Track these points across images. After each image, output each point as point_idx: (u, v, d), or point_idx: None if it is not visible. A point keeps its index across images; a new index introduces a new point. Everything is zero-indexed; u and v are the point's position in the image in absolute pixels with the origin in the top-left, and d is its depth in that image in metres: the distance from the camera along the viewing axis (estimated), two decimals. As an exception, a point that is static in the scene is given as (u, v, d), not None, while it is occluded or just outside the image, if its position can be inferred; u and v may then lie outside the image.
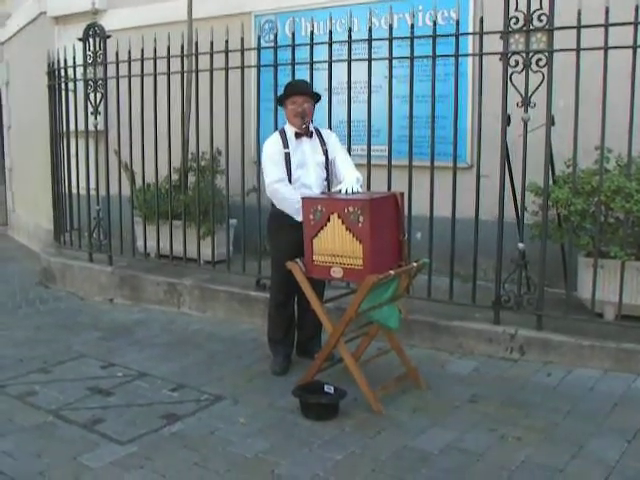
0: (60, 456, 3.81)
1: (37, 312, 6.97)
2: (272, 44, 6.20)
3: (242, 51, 6.23)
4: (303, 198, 4.56)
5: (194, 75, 6.72)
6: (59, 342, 5.87)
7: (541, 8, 4.93)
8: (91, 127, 7.38)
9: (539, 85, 4.99)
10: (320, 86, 5.72)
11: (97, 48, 7.34)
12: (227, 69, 6.34)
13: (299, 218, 4.68)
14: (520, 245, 5.27)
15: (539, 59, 4.99)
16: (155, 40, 6.65)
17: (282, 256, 4.79)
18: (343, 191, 4.59)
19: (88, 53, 7.40)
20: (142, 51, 6.82)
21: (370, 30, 5.67)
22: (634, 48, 4.76)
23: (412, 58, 5.51)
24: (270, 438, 4.00)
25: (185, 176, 7.41)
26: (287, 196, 4.82)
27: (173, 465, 3.70)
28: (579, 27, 4.87)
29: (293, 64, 6.04)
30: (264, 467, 3.67)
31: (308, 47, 5.97)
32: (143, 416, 4.33)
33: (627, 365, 4.86)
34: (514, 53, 5.07)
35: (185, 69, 6.84)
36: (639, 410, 4.29)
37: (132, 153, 7.19)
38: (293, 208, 4.77)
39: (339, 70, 6.03)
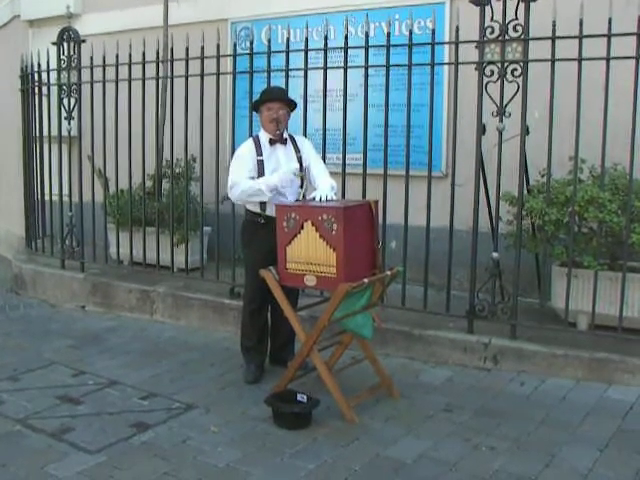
0: (27, 466, 3.74)
1: (7, 319, 6.86)
2: (248, 51, 6.18)
3: (218, 57, 6.19)
4: (277, 205, 4.53)
5: (169, 81, 6.68)
6: (29, 350, 5.78)
7: (516, 18, 4.96)
8: (64, 132, 7.30)
9: (514, 95, 5.02)
10: (296, 93, 5.71)
11: (71, 52, 7.27)
12: (202, 75, 6.31)
13: (267, 194, 4.71)
14: (494, 254, 5.28)
15: (514, 69, 5.01)
16: (130, 45, 6.60)
17: (256, 264, 4.76)
18: (317, 199, 4.58)
19: (62, 57, 7.32)
20: (117, 56, 6.76)
21: (346, 38, 5.67)
22: (607, 60, 4.79)
23: (388, 66, 5.52)
24: (242, 447, 3.96)
25: (159, 183, 7.35)
26: (245, 187, 4.77)
27: (143, 475, 3.64)
28: (554, 38, 4.91)
29: (269, 71, 6.02)
30: (236, 477, 3.63)
31: (284, 54, 5.95)
32: (113, 425, 4.26)
33: (600, 374, 4.88)
34: (489, 63, 5.09)
35: (160, 75, 6.79)
36: (611, 419, 4.30)
37: (106, 159, 7.13)
38: (256, 191, 4.74)
39: (315, 78, 6.03)
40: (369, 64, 5.61)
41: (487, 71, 5.11)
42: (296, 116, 5.29)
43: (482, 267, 5.32)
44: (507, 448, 3.93)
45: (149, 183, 7.35)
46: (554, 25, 4.88)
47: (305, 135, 5.66)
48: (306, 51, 5.84)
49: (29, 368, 5.31)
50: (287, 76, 5.94)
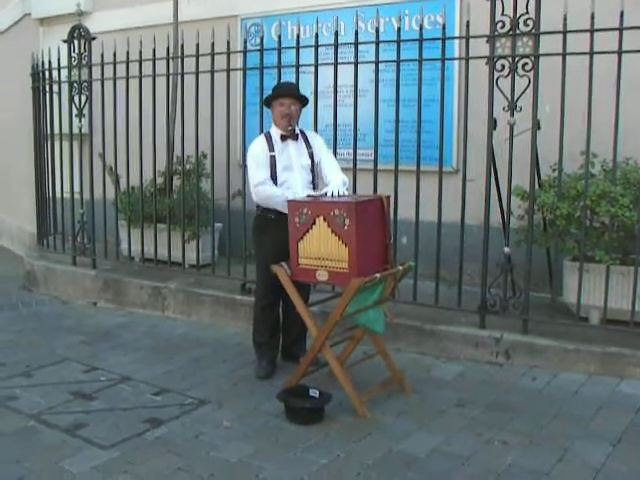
0: (41, 461, 3.76)
1: (20, 316, 6.89)
2: (258, 47, 6.19)
3: (228, 54, 6.21)
4: (289, 201, 4.54)
5: (180, 78, 6.69)
6: (42, 346, 5.80)
7: (527, 13, 4.94)
8: (75, 130, 7.33)
9: (525, 89, 5.01)
10: (306, 89, 5.70)
11: (82, 50, 7.29)
12: (213, 72, 6.32)
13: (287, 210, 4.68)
14: (506, 249, 5.26)
15: (525, 63, 5.00)
16: (140, 42, 6.62)
17: (267, 259, 4.77)
18: (329, 194, 4.58)
19: (73, 55, 7.35)
20: (127, 53, 6.78)
21: (356, 34, 5.67)
22: (619, 53, 4.77)
23: (398, 62, 5.51)
24: (254, 442, 3.97)
25: (170, 179, 7.37)
26: (271, 194, 4.81)
27: (156, 470, 3.66)
28: (565, 32, 4.89)
29: (279, 67, 6.03)
30: (248, 472, 3.64)
31: (294, 50, 5.96)
32: (126, 420, 4.28)
33: (612, 369, 4.87)
34: (500, 57, 5.08)
35: (171, 71, 6.80)
36: (623, 413, 4.30)
37: (117, 156, 7.14)
38: (281, 202, 4.74)
39: (325, 73, 6.02)
40: (379, 59, 5.61)
41: (498, 66, 5.10)
42: (307, 112, 5.30)
43: (493, 262, 5.31)
44: (519, 442, 3.92)
45: (160, 180, 7.36)
46: (565, 19, 4.86)
47: (316, 131, 5.66)
48: (316, 47, 5.84)
49: (41, 364, 5.33)
50: (297, 72, 5.94)
